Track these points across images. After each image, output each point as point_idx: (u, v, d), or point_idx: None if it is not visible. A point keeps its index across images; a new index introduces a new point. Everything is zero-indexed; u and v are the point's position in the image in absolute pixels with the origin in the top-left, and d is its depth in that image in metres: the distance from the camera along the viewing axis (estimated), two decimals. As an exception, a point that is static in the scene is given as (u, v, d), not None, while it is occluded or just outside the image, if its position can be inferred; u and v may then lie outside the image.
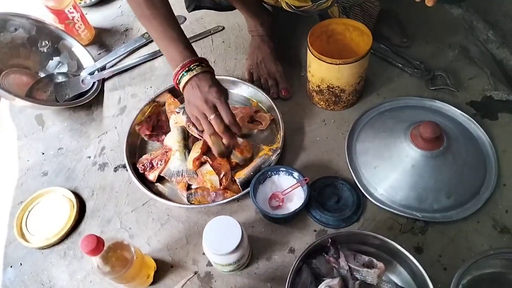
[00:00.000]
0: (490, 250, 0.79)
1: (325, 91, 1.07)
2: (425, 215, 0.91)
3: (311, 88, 1.11)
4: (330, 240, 0.81)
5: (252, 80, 1.19)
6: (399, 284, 0.82)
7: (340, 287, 0.77)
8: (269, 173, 0.97)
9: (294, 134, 1.09)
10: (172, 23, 0.91)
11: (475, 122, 1.03)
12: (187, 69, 0.89)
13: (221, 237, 0.79)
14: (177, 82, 0.91)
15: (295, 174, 0.95)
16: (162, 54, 1.33)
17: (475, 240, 0.89)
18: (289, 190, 0.94)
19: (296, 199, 0.93)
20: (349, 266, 0.80)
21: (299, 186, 0.94)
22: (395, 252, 0.81)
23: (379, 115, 1.09)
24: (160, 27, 0.90)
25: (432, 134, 0.91)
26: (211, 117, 0.88)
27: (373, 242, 0.84)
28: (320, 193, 0.97)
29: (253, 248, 0.91)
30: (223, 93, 0.90)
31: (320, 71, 1.03)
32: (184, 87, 0.90)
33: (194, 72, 0.88)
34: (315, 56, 0.99)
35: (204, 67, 0.90)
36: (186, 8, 1.16)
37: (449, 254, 0.87)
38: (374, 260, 0.81)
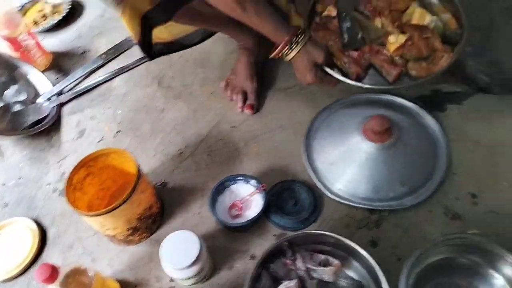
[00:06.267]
0: (440, 237, 0.82)
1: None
2: (382, 205, 0.94)
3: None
4: (287, 243, 0.83)
5: (226, 89, 1.22)
6: (356, 278, 0.84)
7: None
8: (227, 183, 0.99)
9: (250, 142, 1.12)
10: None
11: (426, 112, 1.06)
12: (287, 46, 0.94)
13: (179, 252, 0.81)
14: (285, 53, 0.96)
15: (252, 181, 0.98)
16: (121, 74, 1.35)
17: (428, 229, 0.92)
18: (247, 198, 0.96)
19: (254, 206, 0.96)
20: (306, 266, 0.82)
21: (257, 193, 0.96)
22: (350, 249, 0.84)
23: (333, 114, 1.11)
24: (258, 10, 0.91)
25: (381, 127, 0.94)
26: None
27: (329, 241, 0.86)
28: (278, 198, 0.99)
29: (214, 259, 0.93)
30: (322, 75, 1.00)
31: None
32: (293, 59, 0.96)
33: (296, 50, 0.94)
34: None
35: (303, 40, 0.94)
36: (149, 56, 1.10)
37: (403, 245, 0.90)
38: (330, 258, 0.83)
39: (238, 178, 0.99)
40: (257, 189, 0.96)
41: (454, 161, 1.00)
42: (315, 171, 1.02)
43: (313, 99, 1.17)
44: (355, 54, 1.01)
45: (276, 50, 0.95)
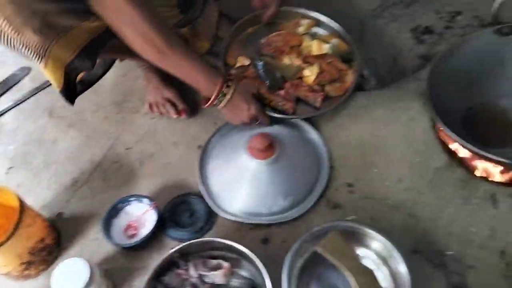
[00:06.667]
0: (316, 227, 0.90)
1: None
2: (267, 219, 1.00)
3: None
4: (177, 254, 0.87)
5: (151, 109, 1.24)
6: (248, 277, 0.90)
7: (191, 296, 0.84)
8: (120, 205, 1.01)
9: (145, 161, 1.15)
10: (192, 54, 0.96)
11: (309, 125, 1.13)
12: (221, 94, 0.97)
13: (70, 280, 0.82)
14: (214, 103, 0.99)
15: (145, 200, 1.01)
16: (9, 110, 1.33)
17: (314, 220, 1.00)
18: (141, 217, 0.99)
19: (149, 224, 0.99)
20: (198, 273, 0.87)
21: (150, 210, 0.99)
22: (240, 251, 0.89)
23: (228, 133, 1.15)
24: (184, 61, 0.93)
25: (263, 144, 1.00)
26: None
27: (221, 246, 0.91)
28: (173, 212, 1.03)
29: (115, 280, 0.94)
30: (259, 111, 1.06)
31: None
32: (224, 107, 1.00)
33: (229, 95, 0.98)
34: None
35: (232, 85, 0.98)
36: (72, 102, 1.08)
37: (291, 239, 0.95)
38: (221, 262, 0.89)
39: (131, 199, 1.01)
40: (150, 207, 0.99)
41: (333, 155, 1.09)
42: (207, 188, 1.06)
43: (202, 115, 1.22)
44: (282, 92, 1.09)
45: (211, 99, 0.97)
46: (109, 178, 1.13)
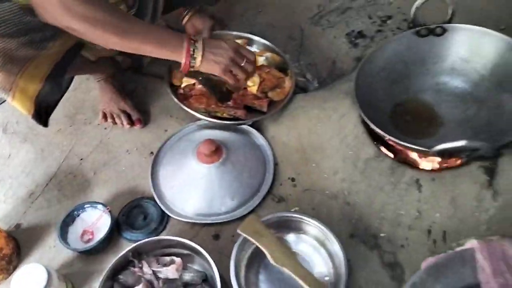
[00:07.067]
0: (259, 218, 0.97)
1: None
2: (217, 218, 1.07)
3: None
4: (130, 254, 0.93)
5: (106, 119, 1.30)
6: (200, 270, 0.96)
7: (146, 291, 0.90)
8: (76, 212, 1.06)
9: (99, 171, 1.20)
10: (149, 25, 0.98)
11: (254, 129, 1.22)
12: (192, 49, 0.96)
13: (28, 284, 0.86)
14: (190, 63, 0.98)
15: (100, 206, 1.06)
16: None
17: (261, 214, 1.06)
18: (95, 222, 1.04)
19: (103, 228, 1.04)
20: (152, 270, 0.93)
21: (104, 215, 1.05)
22: (191, 247, 0.96)
23: (179, 140, 1.23)
24: (145, 34, 0.93)
25: (209, 150, 1.08)
26: (244, 62, 1.04)
27: (174, 243, 0.98)
28: (128, 216, 1.08)
29: (74, 283, 0.99)
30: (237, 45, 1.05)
31: None
32: (201, 60, 0.98)
33: (201, 47, 0.97)
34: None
35: (199, 37, 0.99)
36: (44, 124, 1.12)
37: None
38: (174, 258, 0.95)
39: (86, 206, 1.06)
40: (104, 212, 1.04)
41: (276, 154, 1.18)
42: (159, 192, 1.12)
43: (153, 121, 1.29)
44: (231, 103, 1.17)
45: (185, 56, 0.96)
46: (64, 189, 1.17)
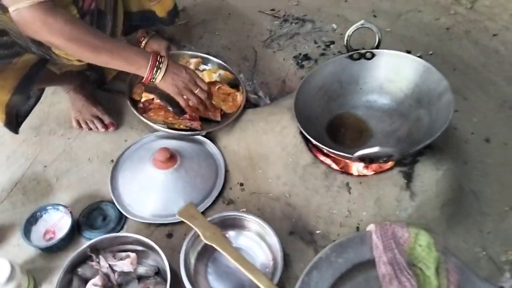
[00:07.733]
0: (208, 218, 1.09)
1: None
2: (171, 219, 1.17)
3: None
4: (89, 249, 1.03)
5: (80, 126, 1.39)
6: (153, 264, 1.07)
7: (103, 281, 0.99)
8: (39, 213, 1.15)
9: (62, 177, 1.29)
10: (119, 42, 1.07)
11: (209, 141, 1.35)
12: (155, 70, 1.09)
13: (-7, 276, 0.95)
14: (152, 79, 1.11)
15: (61, 208, 1.15)
16: None
17: (212, 215, 1.17)
18: (57, 223, 1.13)
19: (65, 228, 1.13)
20: (108, 263, 1.03)
21: (65, 216, 1.14)
22: (146, 243, 1.06)
23: (138, 149, 1.34)
24: (116, 51, 1.04)
25: (164, 157, 1.20)
26: (197, 91, 1.19)
27: (130, 240, 1.08)
28: (88, 218, 1.18)
29: (37, 278, 1.07)
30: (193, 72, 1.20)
31: None
32: (161, 80, 1.12)
33: (164, 69, 1.10)
34: None
35: (164, 59, 1.11)
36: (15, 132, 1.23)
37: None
38: (129, 253, 1.05)
39: (48, 207, 1.15)
40: (65, 213, 1.14)
41: (227, 161, 1.31)
42: (118, 197, 1.22)
43: (115, 132, 1.40)
44: (187, 115, 1.29)
45: (148, 72, 1.09)
46: (28, 193, 1.25)
